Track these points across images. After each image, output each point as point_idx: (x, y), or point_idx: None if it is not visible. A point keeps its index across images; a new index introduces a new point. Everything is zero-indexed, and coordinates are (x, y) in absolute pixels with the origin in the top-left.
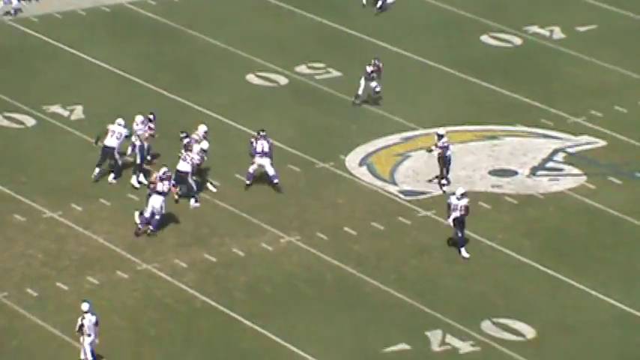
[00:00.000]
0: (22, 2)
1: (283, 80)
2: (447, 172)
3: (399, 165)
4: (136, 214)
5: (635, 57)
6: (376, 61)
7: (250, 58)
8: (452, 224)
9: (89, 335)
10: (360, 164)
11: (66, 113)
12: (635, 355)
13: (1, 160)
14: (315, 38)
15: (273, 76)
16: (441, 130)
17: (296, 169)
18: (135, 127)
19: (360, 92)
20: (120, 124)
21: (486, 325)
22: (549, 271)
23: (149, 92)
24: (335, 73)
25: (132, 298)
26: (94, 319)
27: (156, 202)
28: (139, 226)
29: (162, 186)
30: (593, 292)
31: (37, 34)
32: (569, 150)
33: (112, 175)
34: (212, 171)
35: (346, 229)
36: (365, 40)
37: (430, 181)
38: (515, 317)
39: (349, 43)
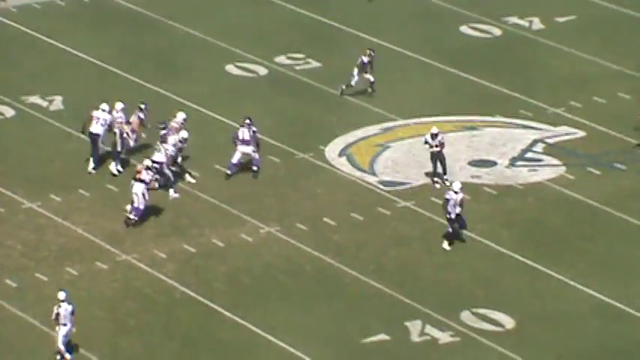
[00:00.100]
0: None
1: (263, 71)
2: (445, 170)
3: (378, 156)
4: (129, 207)
5: (614, 48)
6: (371, 52)
7: (230, 49)
8: (450, 218)
9: (65, 325)
10: (340, 155)
11: (45, 104)
12: (613, 345)
13: None
14: (295, 29)
15: (252, 66)
16: (435, 129)
17: (275, 160)
18: (115, 114)
19: (352, 83)
20: (104, 110)
21: (465, 316)
22: (528, 262)
23: (128, 83)
24: (314, 64)
25: (111, 289)
26: (70, 308)
27: (137, 188)
28: (130, 215)
29: (147, 175)
30: (572, 283)
31: (15, 25)
32: (549, 140)
33: (91, 165)
34: (191, 161)
35: (326, 219)
36: (344, 30)
37: (436, 182)
38: (495, 307)
39: (329, 33)
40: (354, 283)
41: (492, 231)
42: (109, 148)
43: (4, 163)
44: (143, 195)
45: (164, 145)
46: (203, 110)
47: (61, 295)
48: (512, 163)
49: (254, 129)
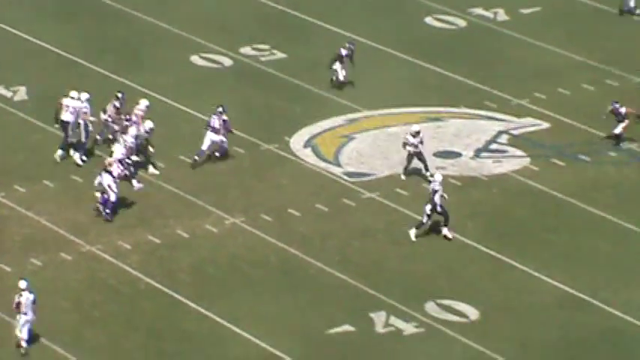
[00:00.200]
0: None
1: (227, 62)
2: (426, 166)
3: (343, 147)
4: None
5: (578, 39)
6: (351, 45)
7: (194, 40)
8: (430, 210)
9: (25, 314)
10: (305, 146)
11: (9, 94)
12: (577, 335)
13: None
14: (260, 20)
15: (217, 57)
16: (416, 127)
17: (240, 151)
18: (80, 104)
19: (341, 78)
20: (73, 98)
21: (430, 307)
22: (493, 253)
23: (93, 73)
24: (279, 55)
25: (75, 280)
26: (31, 297)
27: (105, 179)
28: (103, 213)
29: (117, 168)
30: (536, 274)
31: None
32: (513, 132)
33: (59, 152)
34: (156, 152)
35: (290, 210)
36: (309, 21)
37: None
38: (459, 299)
39: (294, 24)
40: (318, 274)
41: (457, 222)
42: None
43: None
44: (109, 186)
45: (124, 136)
46: (168, 101)
47: (22, 284)
48: (477, 154)
49: (224, 118)
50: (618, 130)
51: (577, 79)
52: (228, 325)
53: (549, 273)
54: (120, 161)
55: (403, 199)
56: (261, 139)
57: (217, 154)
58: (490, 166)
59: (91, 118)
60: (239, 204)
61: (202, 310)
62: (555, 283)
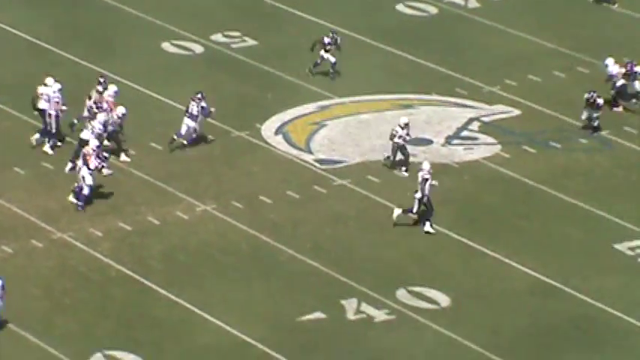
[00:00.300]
0: None
1: (199, 49)
2: (407, 160)
3: (314, 134)
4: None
5: (549, 26)
6: (334, 34)
7: (166, 27)
8: (419, 198)
9: None
10: (276, 133)
11: None
12: (548, 322)
13: None
14: (231, 7)
15: (188, 44)
16: (405, 119)
17: (212, 138)
18: (52, 94)
19: (332, 61)
20: (48, 85)
21: (401, 294)
22: (464, 240)
23: (63, 60)
24: (251, 42)
25: (46, 267)
26: (0, 282)
27: (83, 172)
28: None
29: (95, 161)
30: (507, 261)
31: None
32: (484, 119)
33: (36, 136)
34: (127, 139)
35: (262, 197)
36: (281, 8)
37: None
38: (430, 286)
39: (265, 11)
40: (290, 261)
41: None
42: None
43: None
44: (83, 178)
45: (92, 122)
46: (139, 88)
47: None
48: (448, 141)
49: (203, 104)
50: (596, 122)
51: (548, 66)
52: (199, 312)
53: (520, 260)
54: (97, 155)
55: (374, 186)
56: (233, 126)
57: (185, 142)
58: (461, 153)
59: (63, 107)
60: (210, 191)
61: (173, 297)
62: (526, 270)
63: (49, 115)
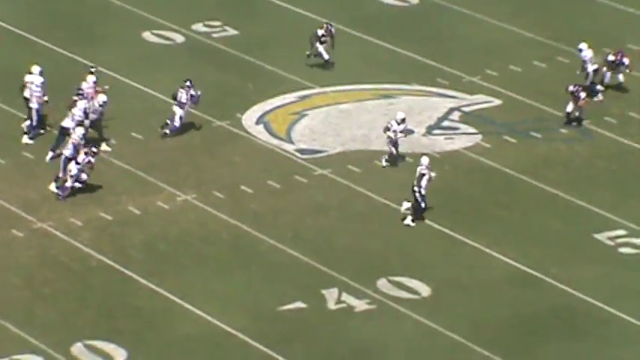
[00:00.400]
0: None
1: (180, 38)
2: (397, 154)
3: (295, 123)
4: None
5: (529, 15)
6: (329, 26)
7: (146, 16)
8: (420, 191)
9: None
10: (257, 123)
11: None
12: (528, 312)
13: None
14: None
15: (169, 34)
16: (402, 114)
17: (192, 128)
18: (33, 87)
19: (326, 57)
20: (34, 73)
21: (382, 284)
22: (444, 230)
23: (44, 49)
24: (231, 32)
25: (27, 257)
26: None
27: (72, 167)
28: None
29: (83, 157)
30: (488, 251)
31: None
32: (465, 109)
33: (27, 122)
34: (108, 129)
35: (243, 187)
36: None
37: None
38: (411, 275)
39: (246, 1)
40: (270, 251)
41: (409, 199)
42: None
43: None
44: (69, 170)
45: (73, 110)
46: (119, 77)
47: None
48: (429, 131)
49: (192, 92)
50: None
51: (528, 55)
52: (180, 301)
53: (501, 250)
54: (86, 153)
55: (355, 175)
56: (213, 115)
57: (167, 131)
58: (442, 143)
59: (45, 98)
60: (191, 181)
61: (154, 287)
62: (507, 260)
63: (30, 108)
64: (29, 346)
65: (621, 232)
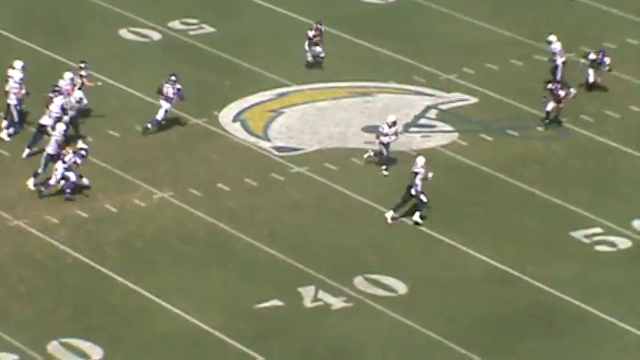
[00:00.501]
0: None
1: (156, 36)
2: (387, 158)
3: (272, 121)
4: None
5: (505, 14)
6: (318, 25)
7: (123, 13)
8: (415, 190)
9: None
10: (234, 120)
11: None
12: (504, 310)
13: None
14: None
15: (145, 31)
16: (392, 117)
17: (169, 125)
18: (12, 84)
19: (309, 59)
20: (15, 68)
21: (358, 281)
22: (421, 228)
23: (21, 47)
24: (208, 29)
25: (2, 254)
26: None
27: (58, 166)
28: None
29: (70, 156)
30: (464, 248)
31: None
32: (441, 107)
33: (4, 124)
34: (84, 126)
35: (219, 185)
36: None
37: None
38: (387, 273)
39: None
40: (247, 249)
41: (385, 197)
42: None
43: None
44: (56, 169)
45: (50, 106)
46: (96, 75)
47: None
48: (406, 129)
49: (178, 87)
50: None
51: (505, 54)
52: (156, 299)
53: (477, 247)
54: (74, 152)
55: (332, 173)
56: (190, 113)
57: (149, 125)
58: (419, 141)
59: (23, 91)
60: (168, 178)
61: (130, 285)
62: (483, 258)
63: (8, 104)
64: (4, 344)
65: (598, 230)
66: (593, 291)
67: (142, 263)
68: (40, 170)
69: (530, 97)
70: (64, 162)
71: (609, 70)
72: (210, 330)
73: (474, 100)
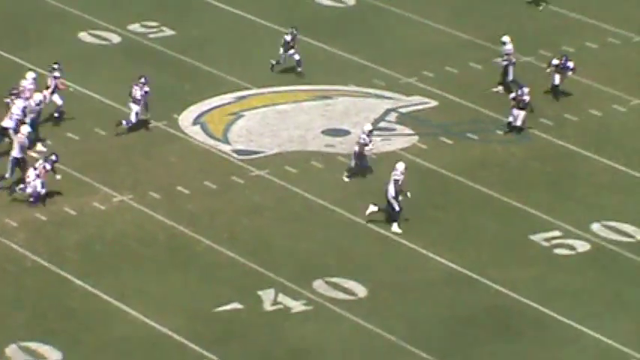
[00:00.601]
0: None
1: (116, 38)
2: (363, 165)
3: (232, 124)
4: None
5: (465, 17)
6: (293, 30)
7: (83, 16)
8: (394, 197)
9: None
10: (194, 123)
11: None
12: (465, 313)
13: None
14: None
15: (105, 34)
16: (369, 126)
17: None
18: None
19: (281, 61)
20: None
21: (318, 284)
22: (381, 231)
23: None
24: (168, 32)
25: None
26: None
27: (30, 174)
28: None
29: (42, 166)
30: (424, 251)
31: None
32: (401, 110)
33: None
34: (43, 129)
35: (179, 188)
36: None
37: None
38: (347, 276)
39: (183, 1)
40: (207, 252)
41: (345, 200)
42: None
43: None
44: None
45: (11, 109)
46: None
47: None
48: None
49: (146, 89)
50: (519, 121)
51: (465, 57)
52: (116, 302)
53: (437, 250)
54: (46, 159)
55: (292, 176)
56: (150, 116)
57: (124, 122)
58: (379, 144)
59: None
60: (127, 181)
61: (89, 288)
62: (443, 261)
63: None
64: None
65: (557, 233)
66: (551, 294)
67: (101, 266)
68: (7, 175)
69: (490, 101)
70: (35, 168)
71: (572, 74)
72: (170, 333)
73: (433, 103)
